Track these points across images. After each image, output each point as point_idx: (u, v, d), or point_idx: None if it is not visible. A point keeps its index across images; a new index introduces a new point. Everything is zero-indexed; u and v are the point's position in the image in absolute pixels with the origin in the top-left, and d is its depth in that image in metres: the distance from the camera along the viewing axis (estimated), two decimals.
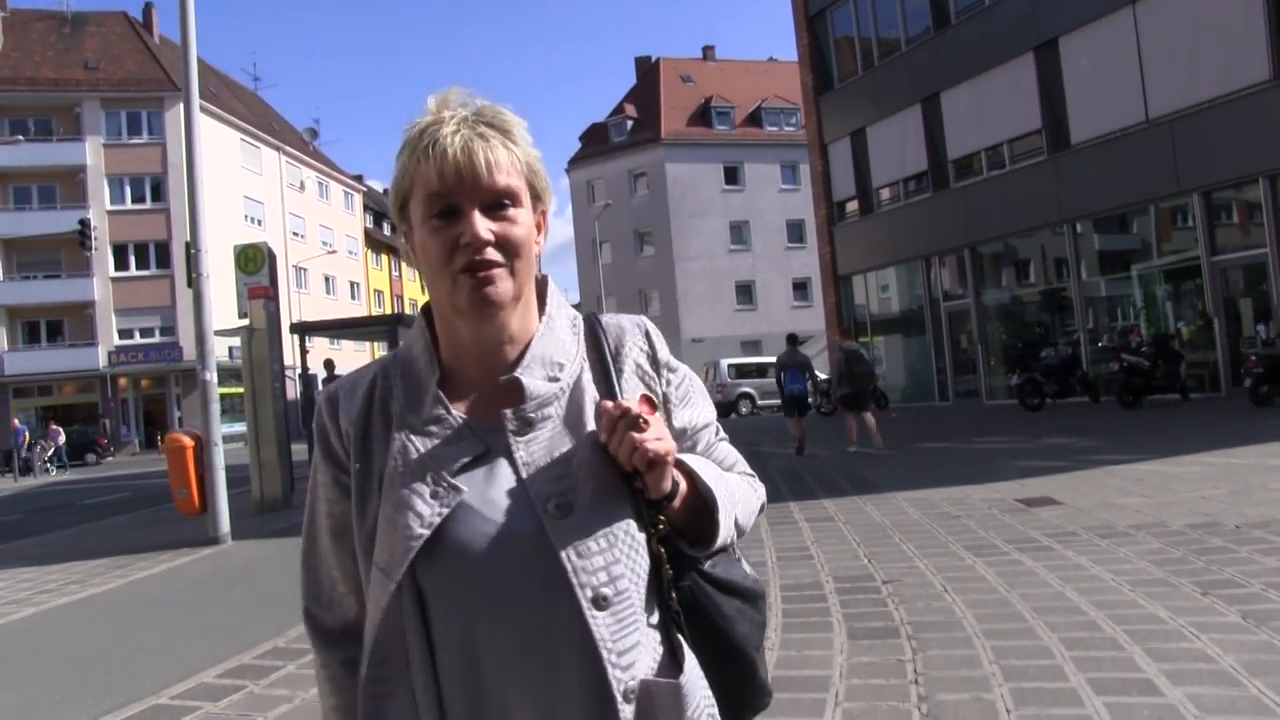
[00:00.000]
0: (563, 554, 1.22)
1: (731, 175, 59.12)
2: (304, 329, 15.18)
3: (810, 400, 17.42)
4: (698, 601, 1.33)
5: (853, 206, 29.25)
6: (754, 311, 58.17)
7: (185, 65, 11.28)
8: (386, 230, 75.44)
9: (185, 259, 11.03)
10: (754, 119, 60.52)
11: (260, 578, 8.91)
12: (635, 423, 1.21)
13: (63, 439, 37.73)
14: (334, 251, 62.25)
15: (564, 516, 1.24)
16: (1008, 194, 23.06)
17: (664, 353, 1.45)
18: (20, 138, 34.35)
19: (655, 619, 1.31)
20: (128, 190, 48.45)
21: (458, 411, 1.33)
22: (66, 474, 34.89)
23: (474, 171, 1.26)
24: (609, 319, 1.45)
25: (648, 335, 1.44)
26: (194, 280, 10.78)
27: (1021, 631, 5.01)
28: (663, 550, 1.30)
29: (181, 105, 37.37)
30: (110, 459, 42.61)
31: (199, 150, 11.30)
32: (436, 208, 1.28)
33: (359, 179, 73.64)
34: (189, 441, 11.39)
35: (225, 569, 9.63)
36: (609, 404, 1.25)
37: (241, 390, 13.95)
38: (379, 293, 72.83)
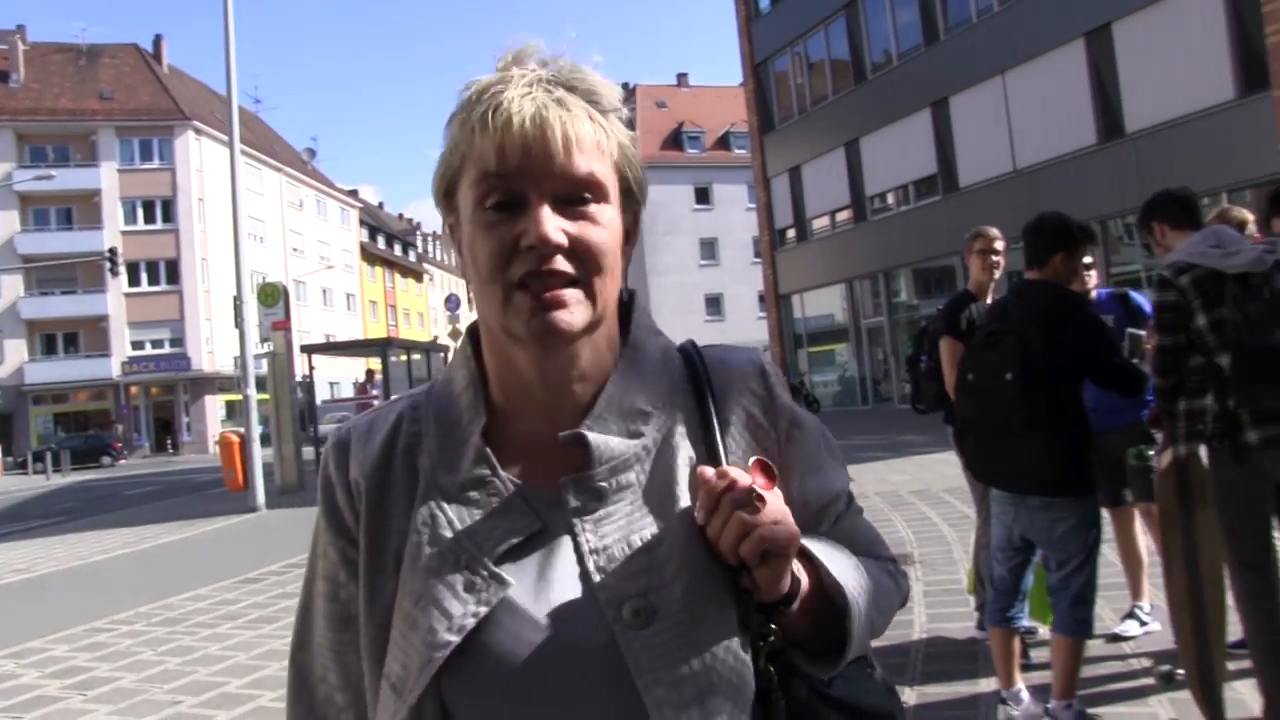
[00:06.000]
0: (640, 680, 0.89)
1: (702, 195, 62.32)
2: (311, 350, 19.60)
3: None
4: None
5: (791, 234, 33.09)
6: (722, 322, 61.17)
7: (233, 180, 15.18)
8: (381, 244, 78.12)
9: (233, 310, 15.24)
10: (723, 143, 63.81)
11: (282, 530, 12.55)
12: (746, 499, 0.87)
13: None
14: (331, 266, 64.74)
15: (644, 626, 0.90)
16: (910, 225, 26.89)
17: (785, 399, 1.08)
18: (53, 173, 37.47)
19: None
20: (140, 212, 51.79)
21: (507, 473, 0.98)
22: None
23: (546, 149, 0.92)
24: (714, 352, 1.10)
25: (763, 375, 1.07)
26: (239, 323, 15.04)
27: None
28: (772, 669, 0.96)
29: (190, 134, 40.87)
30: (123, 461, 45.37)
31: (243, 226, 15.37)
32: (493, 195, 0.94)
33: (354, 194, 76.12)
34: (235, 438, 15.34)
35: (262, 524, 13.51)
36: (710, 472, 0.91)
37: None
38: (373, 304, 74.90)
